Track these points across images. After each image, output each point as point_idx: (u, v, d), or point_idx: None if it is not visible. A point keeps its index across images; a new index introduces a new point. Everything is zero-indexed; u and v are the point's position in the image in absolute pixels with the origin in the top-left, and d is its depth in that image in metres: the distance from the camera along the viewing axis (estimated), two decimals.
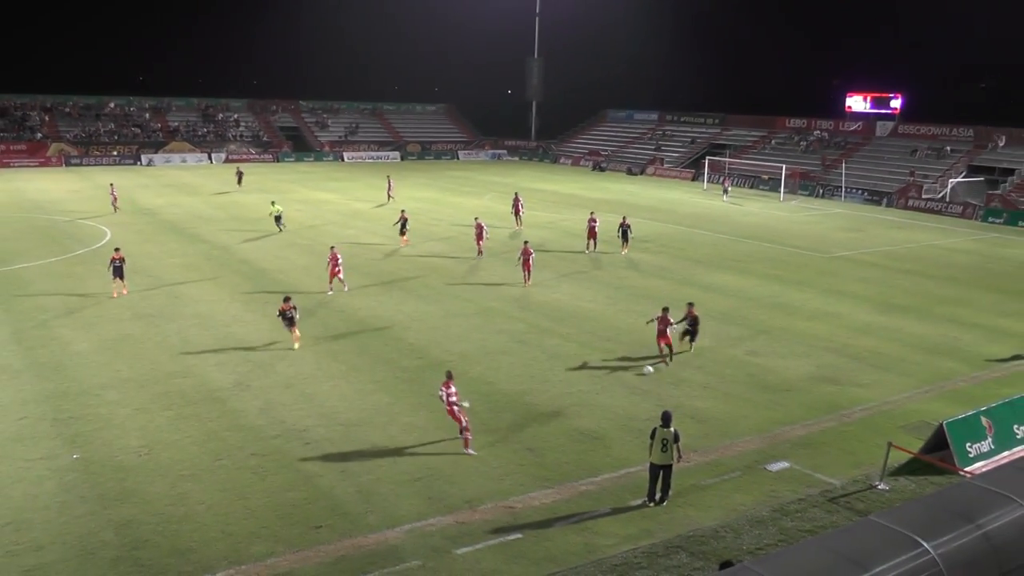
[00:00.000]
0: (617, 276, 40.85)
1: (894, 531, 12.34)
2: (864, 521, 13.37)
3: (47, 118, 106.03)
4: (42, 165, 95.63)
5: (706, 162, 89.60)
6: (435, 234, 51.41)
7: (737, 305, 35.84)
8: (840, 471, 20.31)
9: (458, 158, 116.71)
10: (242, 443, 21.23)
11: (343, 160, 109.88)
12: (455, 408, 20.72)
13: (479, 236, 44.22)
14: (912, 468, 20.38)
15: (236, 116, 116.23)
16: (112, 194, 60.16)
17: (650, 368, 26.89)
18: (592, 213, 47.95)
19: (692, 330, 28.71)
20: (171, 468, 19.88)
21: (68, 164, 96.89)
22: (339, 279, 35.90)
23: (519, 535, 17.11)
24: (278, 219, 50.36)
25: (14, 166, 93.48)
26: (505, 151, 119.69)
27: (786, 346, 30.25)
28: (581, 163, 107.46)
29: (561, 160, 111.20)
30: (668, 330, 27.35)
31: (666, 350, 27.60)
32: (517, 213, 54.85)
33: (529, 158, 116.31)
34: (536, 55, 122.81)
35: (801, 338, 31.26)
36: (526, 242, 38.93)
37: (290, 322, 28.32)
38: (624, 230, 45.78)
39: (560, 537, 17.09)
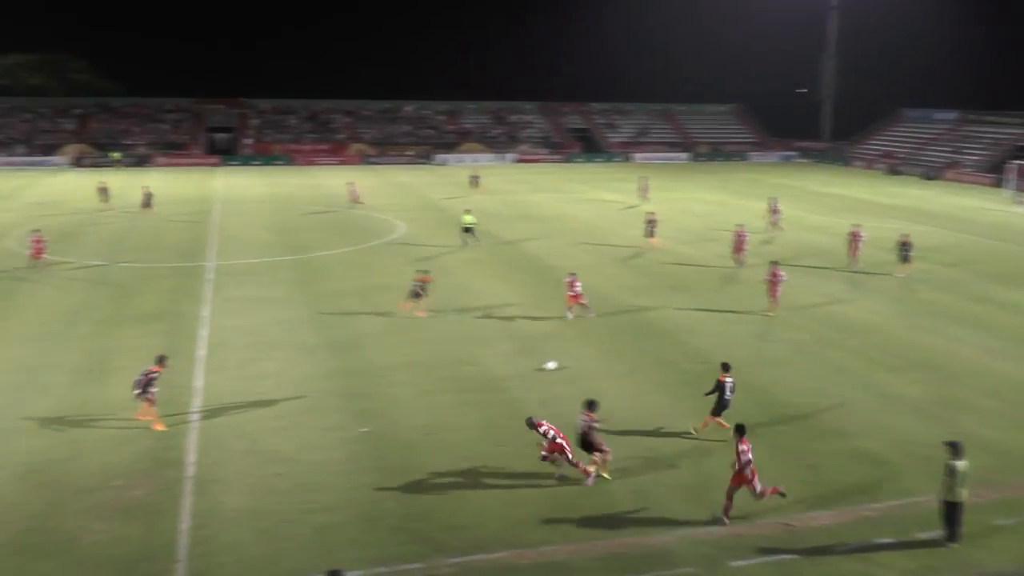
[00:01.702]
0: (907, 289, 38.21)
1: None
2: None
3: (348, 121, 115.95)
4: (342, 163, 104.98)
5: (1013, 166, 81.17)
6: (721, 237, 50.63)
7: None
8: None
9: (747, 159, 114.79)
10: (522, 432, 21.86)
11: (632, 161, 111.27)
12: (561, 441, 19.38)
13: (739, 246, 42.17)
14: None
15: (527, 118, 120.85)
16: (353, 191, 65.35)
17: (551, 364, 26.80)
18: (856, 226, 43.75)
19: None
20: (453, 449, 21.04)
21: (365, 163, 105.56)
22: (581, 304, 32.75)
23: (795, 556, 16.52)
24: (468, 230, 47.88)
25: (318, 164, 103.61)
26: (795, 153, 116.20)
27: None
28: (874, 166, 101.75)
29: (853, 163, 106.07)
30: None
31: None
32: (771, 220, 52.98)
33: (820, 160, 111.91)
34: (831, 51, 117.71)
35: None
36: (775, 263, 34.92)
37: (415, 295, 31.21)
38: (904, 248, 40.72)
39: (838, 564, 16.31)
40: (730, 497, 17.74)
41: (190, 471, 19.81)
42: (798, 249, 47.09)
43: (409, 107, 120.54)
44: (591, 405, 19.77)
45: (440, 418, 23.03)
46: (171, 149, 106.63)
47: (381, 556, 16.39)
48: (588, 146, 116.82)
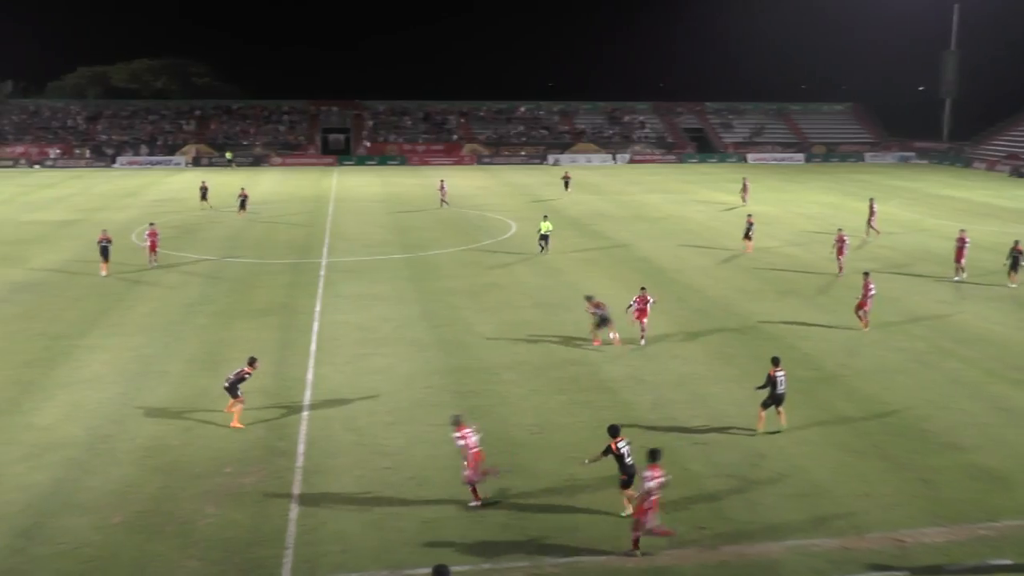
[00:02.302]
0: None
1: None
2: None
3: (463, 121, 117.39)
4: (456, 163, 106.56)
5: None
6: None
7: None
8: None
9: (864, 160, 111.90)
10: (631, 434, 21.60)
11: (746, 161, 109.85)
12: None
13: (840, 250, 40.44)
14: None
15: (641, 118, 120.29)
16: (441, 189, 65.95)
17: None
18: (962, 231, 40.96)
19: None
20: (561, 449, 21.04)
21: (479, 163, 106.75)
22: (642, 325, 29.69)
23: (906, 573, 15.97)
24: (545, 238, 45.62)
25: (432, 164, 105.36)
26: (913, 153, 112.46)
27: None
28: (997, 168, 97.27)
29: (974, 164, 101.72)
30: None
31: None
32: (869, 222, 50.95)
33: (939, 161, 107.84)
34: (952, 46, 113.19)
35: None
36: (866, 273, 32.52)
37: (603, 322, 28.71)
38: (1016, 256, 38.44)
39: None
40: (637, 528, 16.44)
41: (300, 461, 20.34)
42: (913, 254, 45.48)
43: (523, 107, 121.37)
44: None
45: (549, 418, 23.07)
46: (287, 149, 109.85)
47: (487, 553, 16.50)
48: (702, 146, 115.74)
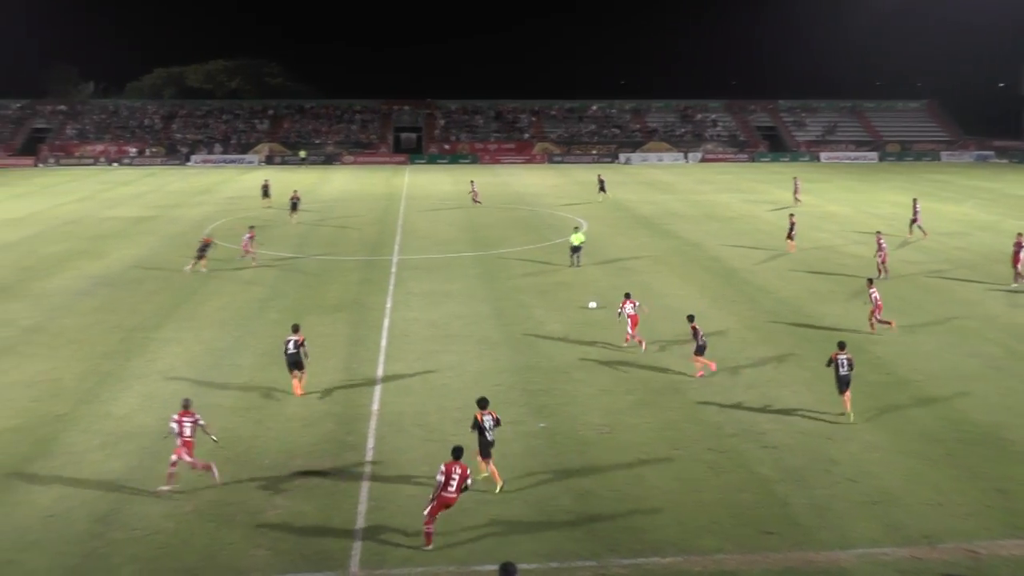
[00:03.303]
0: None
1: None
2: None
3: (534, 120, 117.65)
4: (527, 162, 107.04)
5: None
6: (910, 241, 48.38)
7: None
8: None
9: (939, 159, 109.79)
10: (700, 436, 21.71)
11: (819, 160, 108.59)
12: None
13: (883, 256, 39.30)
14: None
15: (713, 116, 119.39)
16: (473, 190, 66.34)
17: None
18: (1020, 235, 38.92)
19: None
20: (629, 449, 20.94)
21: (551, 161, 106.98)
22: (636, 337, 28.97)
23: None
24: (576, 249, 42.13)
25: (504, 163, 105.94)
26: (992, 152, 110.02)
27: None
28: None
29: None
30: None
31: None
32: (913, 222, 49.85)
33: (1020, 161, 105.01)
34: None
35: None
36: (870, 280, 32.40)
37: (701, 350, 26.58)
38: None
39: None
40: (431, 518, 16.58)
41: (369, 455, 20.56)
42: (988, 256, 44.07)
43: (595, 106, 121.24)
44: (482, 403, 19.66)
45: (618, 418, 22.97)
46: (359, 148, 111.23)
47: (554, 551, 16.46)
48: (775, 145, 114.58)
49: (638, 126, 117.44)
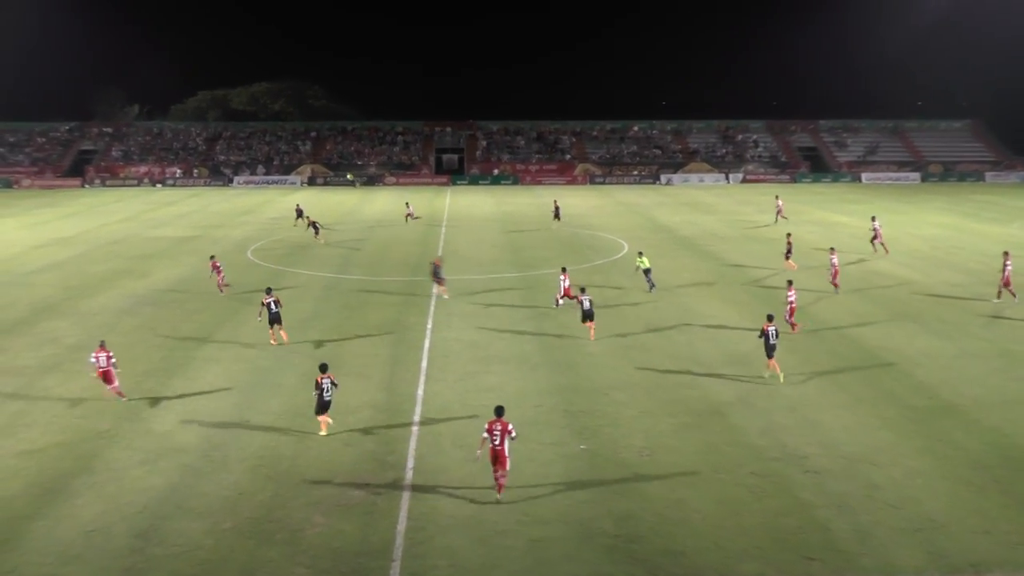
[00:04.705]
0: None
1: None
2: None
3: (575, 141, 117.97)
4: (569, 183, 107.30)
5: None
6: (953, 264, 47.76)
7: None
8: None
9: (984, 180, 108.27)
10: (741, 460, 21.52)
11: (860, 181, 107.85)
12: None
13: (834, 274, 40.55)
14: None
15: (755, 137, 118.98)
16: (409, 211, 67.67)
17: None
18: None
19: None
20: (670, 472, 20.81)
21: (592, 182, 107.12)
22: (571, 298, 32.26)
23: None
24: (647, 272, 41.27)
25: (545, 183, 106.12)
26: None
27: None
28: None
29: None
30: None
31: None
32: (874, 240, 51.56)
33: None
34: None
35: None
36: (790, 282, 34.08)
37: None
38: None
39: None
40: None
41: (409, 475, 20.61)
42: None
43: (636, 127, 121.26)
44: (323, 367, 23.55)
45: (659, 440, 22.84)
46: (401, 169, 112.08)
47: (595, 574, 16.38)
48: (816, 165, 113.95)
49: (679, 147, 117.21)
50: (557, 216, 65.97)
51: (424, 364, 29.56)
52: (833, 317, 35.73)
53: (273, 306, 31.49)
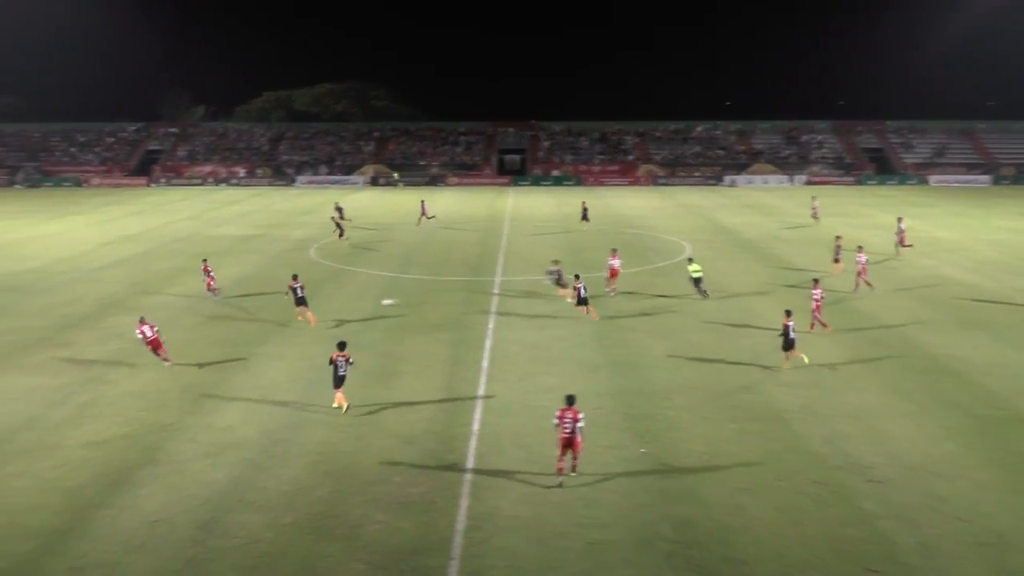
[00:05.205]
0: None
1: None
2: None
3: (639, 142, 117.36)
4: (631, 184, 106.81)
5: None
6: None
7: None
8: None
9: None
10: (803, 468, 21.21)
11: (927, 184, 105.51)
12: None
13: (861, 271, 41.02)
14: None
15: (820, 138, 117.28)
16: (422, 209, 67.32)
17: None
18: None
19: None
20: (731, 478, 20.62)
21: (655, 183, 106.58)
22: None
23: None
24: (697, 281, 40.17)
25: (607, 184, 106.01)
26: None
27: None
28: None
29: None
30: None
31: None
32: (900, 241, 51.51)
33: None
34: None
35: None
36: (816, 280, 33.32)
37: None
38: None
39: None
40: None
41: (469, 475, 20.71)
42: None
43: (700, 127, 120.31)
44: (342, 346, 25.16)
45: (719, 445, 22.63)
46: (463, 170, 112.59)
47: None
48: (882, 167, 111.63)
49: (743, 148, 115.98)
50: (585, 217, 65.78)
51: (485, 364, 29.66)
52: (898, 323, 35.02)
53: (299, 291, 34.79)
